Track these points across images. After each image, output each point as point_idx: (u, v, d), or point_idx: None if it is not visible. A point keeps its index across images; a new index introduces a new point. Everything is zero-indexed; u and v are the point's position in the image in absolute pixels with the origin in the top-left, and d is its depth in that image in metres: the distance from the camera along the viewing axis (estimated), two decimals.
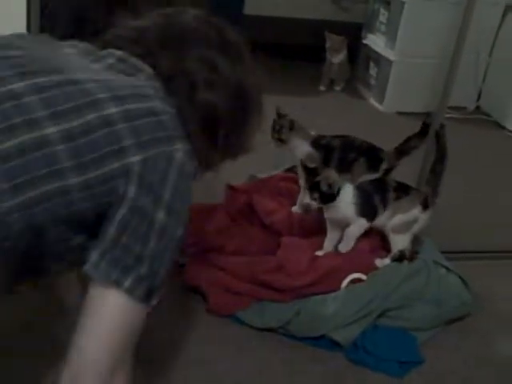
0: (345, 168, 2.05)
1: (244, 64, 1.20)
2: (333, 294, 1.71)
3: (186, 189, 1.02)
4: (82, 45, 1.16)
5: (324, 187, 1.76)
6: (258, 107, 1.22)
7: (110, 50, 1.13)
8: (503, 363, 1.70)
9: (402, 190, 1.88)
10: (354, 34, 3.70)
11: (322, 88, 3.65)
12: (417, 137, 2.10)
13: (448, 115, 3.10)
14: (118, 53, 1.12)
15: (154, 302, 1.01)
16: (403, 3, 3.29)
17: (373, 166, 2.08)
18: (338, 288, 1.73)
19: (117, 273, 0.96)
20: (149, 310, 1.01)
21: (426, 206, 1.88)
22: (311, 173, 1.81)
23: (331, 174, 1.80)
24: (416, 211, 1.86)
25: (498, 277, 2.06)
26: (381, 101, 3.51)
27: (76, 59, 1.10)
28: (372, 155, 2.10)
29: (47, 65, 1.02)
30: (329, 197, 1.78)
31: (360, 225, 1.83)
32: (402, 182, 1.91)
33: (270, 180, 2.24)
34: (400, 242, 1.85)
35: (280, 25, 3.63)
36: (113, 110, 0.97)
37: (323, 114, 3.23)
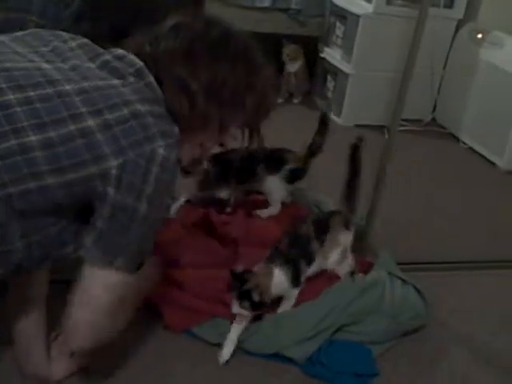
0: (245, 178, 2.14)
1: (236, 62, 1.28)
2: (288, 312, 1.71)
3: (168, 180, 1.15)
4: (85, 41, 1.26)
5: (256, 297, 1.58)
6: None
7: (113, 49, 1.24)
8: (458, 372, 1.71)
9: (322, 230, 1.80)
10: (311, 47, 3.72)
11: (279, 100, 3.66)
12: (319, 132, 2.16)
13: (403, 128, 3.16)
14: (119, 51, 1.23)
15: (142, 266, 1.22)
16: (358, 17, 3.33)
17: (274, 168, 2.15)
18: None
19: (107, 256, 1.15)
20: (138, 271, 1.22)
21: (348, 226, 1.86)
22: (238, 278, 1.61)
23: (261, 280, 1.62)
24: (343, 237, 1.84)
25: (448, 287, 2.08)
26: (338, 114, 3.54)
27: (74, 57, 1.19)
28: (273, 158, 2.16)
29: (41, 76, 1.11)
30: (262, 304, 1.61)
31: (293, 295, 1.73)
32: (318, 218, 1.86)
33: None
34: (346, 267, 1.84)
35: None
36: (91, 122, 1.08)
37: (280, 126, 3.22)
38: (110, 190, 1.10)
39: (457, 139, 3.49)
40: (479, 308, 2.00)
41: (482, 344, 1.84)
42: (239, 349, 1.64)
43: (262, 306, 1.62)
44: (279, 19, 3.61)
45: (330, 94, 3.66)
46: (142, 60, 1.21)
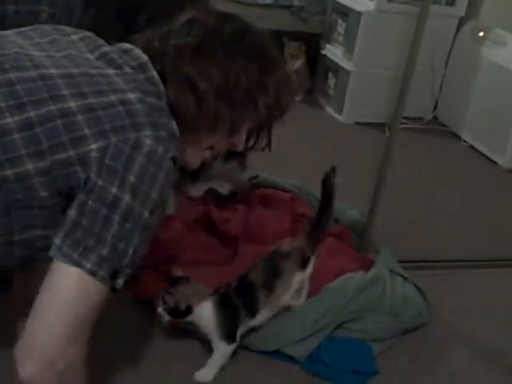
0: None
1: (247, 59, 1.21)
2: (288, 309, 1.71)
3: (155, 173, 1.05)
4: (88, 34, 1.22)
5: (171, 304, 1.50)
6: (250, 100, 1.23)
7: (120, 43, 1.20)
8: (459, 371, 1.71)
9: (274, 276, 1.60)
10: (312, 44, 3.71)
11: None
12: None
13: (404, 125, 3.15)
14: (126, 45, 1.19)
15: (120, 282, 1.06)
16: (360, 14, 3.32)
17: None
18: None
19: (77, 254, 1.01)
20: (114, 288, 1.06)
21: (306, 265, 1.66)
22: (172, 280, 1.55)
23: (186, 289, 1.53)
24: (298, 278, 1.65)
25: (449, 286, 2.07)
26: (339, 111, 3.53)
27: (72, 48, 1.16)
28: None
29: (28, 61, 1.08)
30: (178, 313, 1.51)
31: (222, 351, 1.55)
32: (271, 262, 1.62)
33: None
34: (303, 298, 1.71)
35: None
36: (72, 103, 1.03)
37: (281, 123, 3.23)
38: (91, 176, 1.01)
39: (458, 137, 3.48)
40: (480, 307, 2.00)
41: (483, 343, 1.84)
42: (239, 347, 1.64)
43: (178, 317, 1.52)
44: (281, 16, 3.60)
45: (331, 92, 3.66)
46: (148, 55, 1.18)
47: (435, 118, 3.69)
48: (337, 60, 3.57)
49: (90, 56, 1.15)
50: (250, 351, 1.65)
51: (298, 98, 3.71)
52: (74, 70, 1.08)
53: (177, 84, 1.16)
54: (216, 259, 1.87)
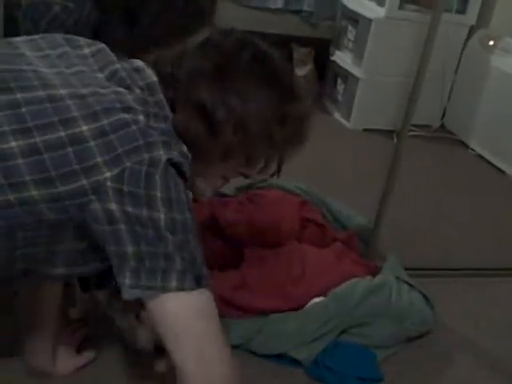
0: None
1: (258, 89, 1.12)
2: (294, 312, 1.70)
3: (176, 183, 1.01)
4: (101, 47, 1.16)
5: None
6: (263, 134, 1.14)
7: (133, 60, 1.14)
8: (463, 378, 1.71)
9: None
10: (322, 50, 3.72)
11: None
12: None
13: (412, 133, 3.15)
14: (138, 63, 1.13)
15: (207, 282, 1.04)
16: (370, 21, 3.33)
17: None
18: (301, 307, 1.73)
19: (158, 281, 0.98)
20: (208, 288, 1.04)
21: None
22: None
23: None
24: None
25: (454, 294, 2.07)
26: (348, 117, 3.54)
27: (83, 65, 1.10)
28: None
29: (36, 80, 1.02)
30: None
31: None
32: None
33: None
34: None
35: None
36: (84, 127, 0.97)
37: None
38: (113, 206, 0.96)
39: (466, 146, 3.48)
40: (485, 315, 2.00)
41: (487, 350, 1.84)
42: (242, 349, 1.64)
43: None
44: (291, 21, 3.62)
45: (339, 98, 3.66)
46: (160, 76, 1.11)
47: (443, 125, 3.69)
48: (346, 66, 3.57)
49: (100, 75, 1.09)
50: (253, 354, 1.65)
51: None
52: (84, 91, 1.01)
53: (188, 110, 1.09)
54: (222, 262, 1.88)
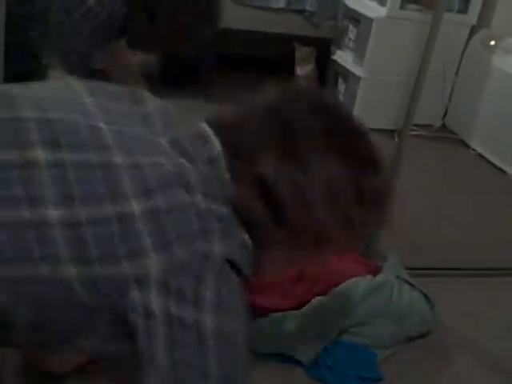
0: None
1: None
2: (294, 312, 1.70)
3: (230, 282, 0.87)
4: (165, 107, 1.01)
5: None
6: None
7: (195, 122, 0.98)
8: (463, 378, 1.71)
9: None
10: (323, 49, 3.72)
11: None
12: None
13: (413, 132, 3.14)
14: (199, 127, 0.97)
15: None
16: (372, 21, 3.32)
17: None
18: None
19: None
20: None
21: None
22: None
23: None
24: None
25: (455, 293, 2.07)
26: None
27: (144, 125, 0.95)
28: None
29: (90, 138, 0.88)
30: None
31: None
32: None
33: None
34: None
35: (251, 38, 3.64)
36: (135, 206, 0.83)
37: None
38: (154, 299, 0.82)
39: (467, 146, 3.48)
40: (485, 315, 2.00)
41: (487, 350, 1.84)
42: None
43: None
44: (293, 21, 3.62)
45: (340, 97, 3.66)
46: (223, 145, 0.94)
47: (444, 125, 3.69)
48: (347, 66, 3.57)
49: (162, 140, 0.93)
50: (252, 353, 1.65)
51: None
52: (144, 160, 0.87)
53: (249, 187, 0.91)
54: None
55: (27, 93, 0.96)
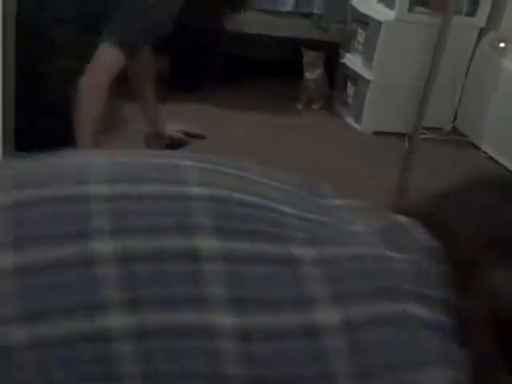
0: None
1: None
2: None
3: None
4: (353, 204, 0.79)
5: None
6: None
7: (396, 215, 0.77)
8: None
9: None
10: (332, 53, 3.72)
11: (298, 106, 3.65)
12: None
13: (424, 136, 3.14)
14: (402, 220, 0.74)
15: None
16: (380, 24, 3.32)
17: None
18: None
19: None
20: None
21: None
22: None
23: None
24: None
25: None
26: (358, 120, 3.53)
27: (329, 214, 0.72)
28: None
29: (272, 226, 0.65)
30: None
31: None
32: None
33: None
34: None
35: (259, 42, 3.64)
36: (332, 314, 0.60)
37: (299, 132, 3.23)
38: None
39: (478, 148, 3.46)
40: None
41: None
42: None
43: None
44: (301, 24, 3.62)
45: (349, 101, 3.66)
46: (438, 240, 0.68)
47: (454, 128, 3.67)
48: (356, 69, 3.57)
49: (357, 228, 0.71)
50: None
51: (315, 107, 3.71)
52: (339, 251, 0.65)
53: (477, 306, 0.65)
54: None
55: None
